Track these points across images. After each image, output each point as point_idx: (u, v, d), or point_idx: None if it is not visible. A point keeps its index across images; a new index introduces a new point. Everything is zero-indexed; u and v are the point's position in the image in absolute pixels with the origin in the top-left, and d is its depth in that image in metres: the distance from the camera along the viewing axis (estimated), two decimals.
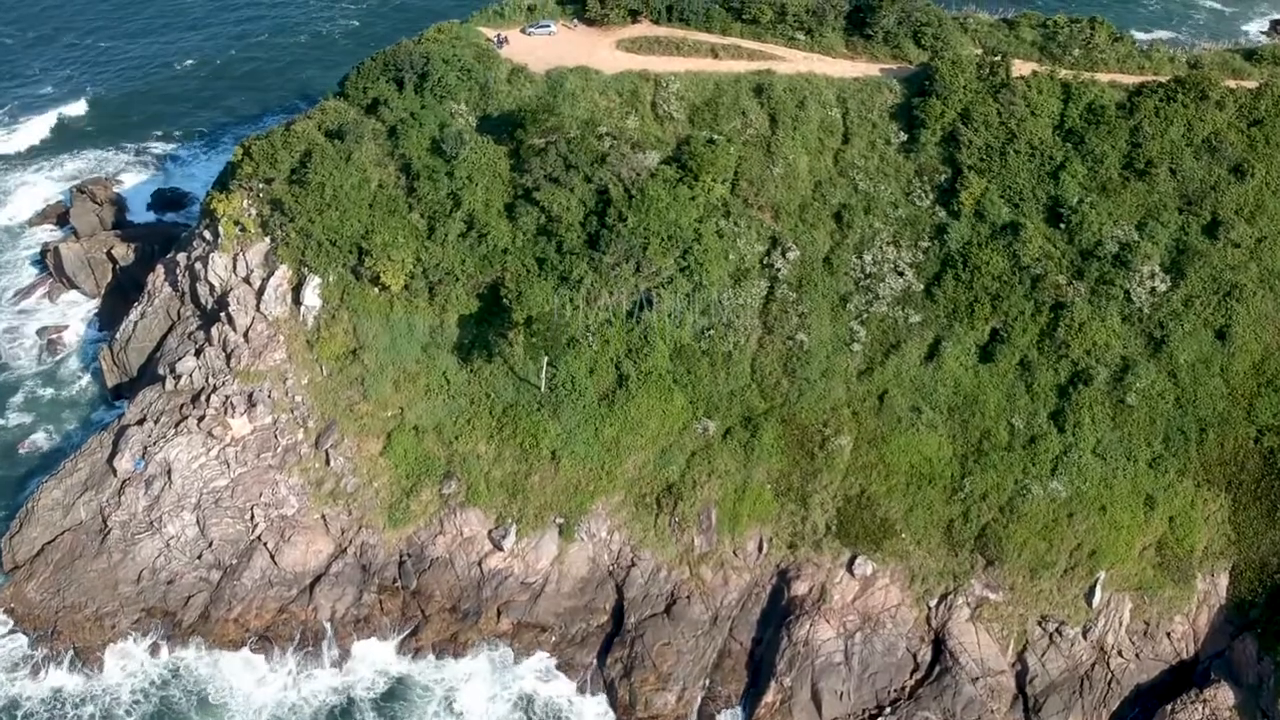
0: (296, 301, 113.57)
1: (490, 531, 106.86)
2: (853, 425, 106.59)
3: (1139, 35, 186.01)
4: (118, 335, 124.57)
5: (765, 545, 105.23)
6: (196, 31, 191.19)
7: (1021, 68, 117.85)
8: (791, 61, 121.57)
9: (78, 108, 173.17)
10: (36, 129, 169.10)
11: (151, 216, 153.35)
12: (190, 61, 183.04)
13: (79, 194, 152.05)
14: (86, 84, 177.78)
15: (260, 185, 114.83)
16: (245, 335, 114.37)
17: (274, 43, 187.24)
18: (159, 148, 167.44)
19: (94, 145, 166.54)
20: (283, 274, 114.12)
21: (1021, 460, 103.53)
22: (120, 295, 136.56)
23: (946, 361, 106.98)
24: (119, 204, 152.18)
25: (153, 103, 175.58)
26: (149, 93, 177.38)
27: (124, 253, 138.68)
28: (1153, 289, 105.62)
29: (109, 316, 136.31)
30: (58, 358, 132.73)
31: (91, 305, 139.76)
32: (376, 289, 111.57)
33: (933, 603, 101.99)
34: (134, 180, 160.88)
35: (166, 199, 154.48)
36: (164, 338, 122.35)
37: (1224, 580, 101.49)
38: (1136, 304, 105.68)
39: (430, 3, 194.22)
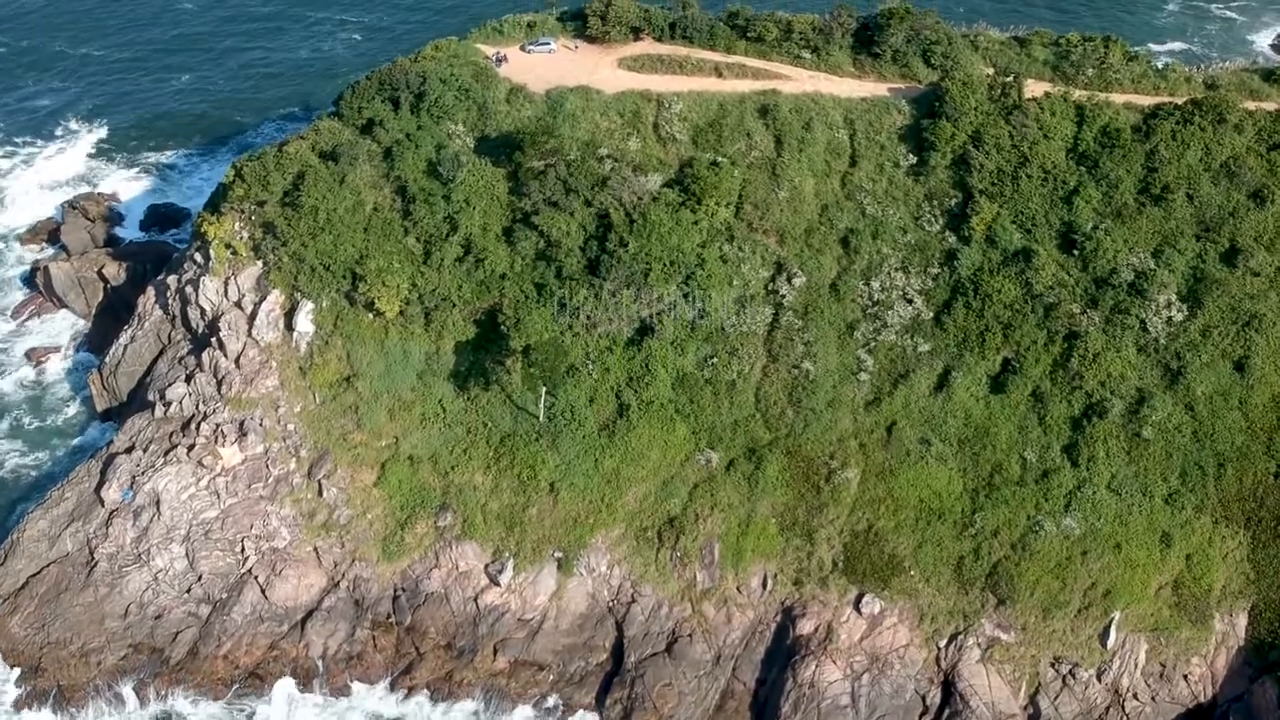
0: (289, 327, 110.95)
1: (487, 565, 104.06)
2: (860, 457, 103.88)
3: (1152, 46, 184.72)
4: (107, 359, 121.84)
5: (770, 581, 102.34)
6: (195, 43, 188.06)
7: (1034, 88, 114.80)
8: (797, 81, 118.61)
9: (72, 120, 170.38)
10: (29, 142, 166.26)
11: (145, 233, 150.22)
12: (188, 74, 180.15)
13: (71, 210, 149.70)
14: (82, 96, 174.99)
15: (252, 207, 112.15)
16: (237, 361, 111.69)
17: (274, 56, 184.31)
18: (155, 160, 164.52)
19: (88, 158, 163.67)
20: (275, 299, 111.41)
21: (1034, 495, 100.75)
22: (111, 315, 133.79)
23: (957, 392, 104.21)
24: (111, 220, 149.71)
25: (149, 115, 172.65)
26: (145, 104, 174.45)
27: (115, 272, 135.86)
28: (1169, 319, 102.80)
29: (100, 337, 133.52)
30: (46, 380, 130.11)
31: (82, 325, 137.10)
32: (371, 315, 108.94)
33: (942, 643, 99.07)
34: (128, 194, 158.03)
35: (160, 215, 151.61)
36: (154, 362, 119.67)
37: (1243, 621, 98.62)
38: (1152, 334, 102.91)
39: (430, 17, 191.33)
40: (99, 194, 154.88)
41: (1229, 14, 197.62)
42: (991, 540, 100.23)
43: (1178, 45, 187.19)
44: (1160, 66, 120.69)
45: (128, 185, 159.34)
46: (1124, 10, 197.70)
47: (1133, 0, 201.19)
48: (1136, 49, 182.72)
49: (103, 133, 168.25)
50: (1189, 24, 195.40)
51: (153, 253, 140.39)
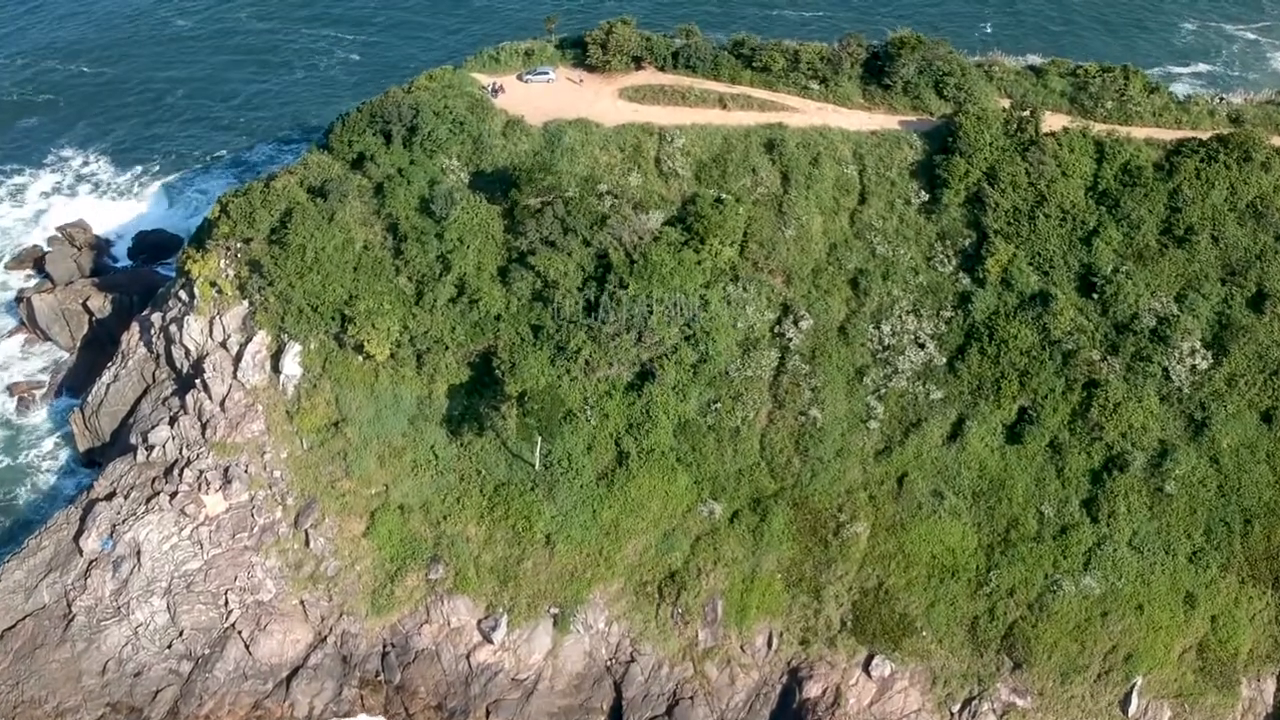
0: (276, 369, 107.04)
1: (480, 622, 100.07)
2: (869, 510, 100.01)
3: (1171, 69, 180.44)
4: (89, 399, 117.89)
5: (775, 641, 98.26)
6: (187, 61, 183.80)
7: (1051, 121, 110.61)
8: (804, 113, 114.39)
9: (62, 142, 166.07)
10: (16, 166, 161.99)
11: (134, 261, 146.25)
12: (181, 95, 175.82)
13: (57, 237, 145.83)
14: (71, 117, 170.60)
15: (238, 245, 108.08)
16: (221, 404, 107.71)
17: (269, 77, 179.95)
18: (146, 183, 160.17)
19: (76, 182, 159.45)
20: (261, 340, 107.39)
21: (1052, 552, 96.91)
22: (97, 348, 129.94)
23: (971, 442, 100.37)
24: (99, 248, 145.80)
25: (141, 137, 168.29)
26: (137, 126, 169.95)
27: (100, 304, 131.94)
28: (1193, 367, 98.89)
29: (84, 372, 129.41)
30: (28, 417, 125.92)
31: (66, 359, 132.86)
32: (361, 357, 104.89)
33: (955, 708, 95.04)
34: (117, 220, 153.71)
35: (149, 243, 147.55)
36: (138, 402, 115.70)
37: (1271, 686, 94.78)
38: (1176, 383, 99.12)
39: (426, 36, 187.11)
40: (86, 221, 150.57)
41: (1249, 34, 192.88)
42: (1007, 600, 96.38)
43: (1199, 67, 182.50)
44: (1182, 99, 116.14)
45: (117, 211, 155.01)
46: (1140, 31, 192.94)
47: (1149, 21, 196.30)
48: (1154, 70, 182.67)
49: (92, 155, 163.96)
50: (1208, 45, 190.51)
51: (140, 283, 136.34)
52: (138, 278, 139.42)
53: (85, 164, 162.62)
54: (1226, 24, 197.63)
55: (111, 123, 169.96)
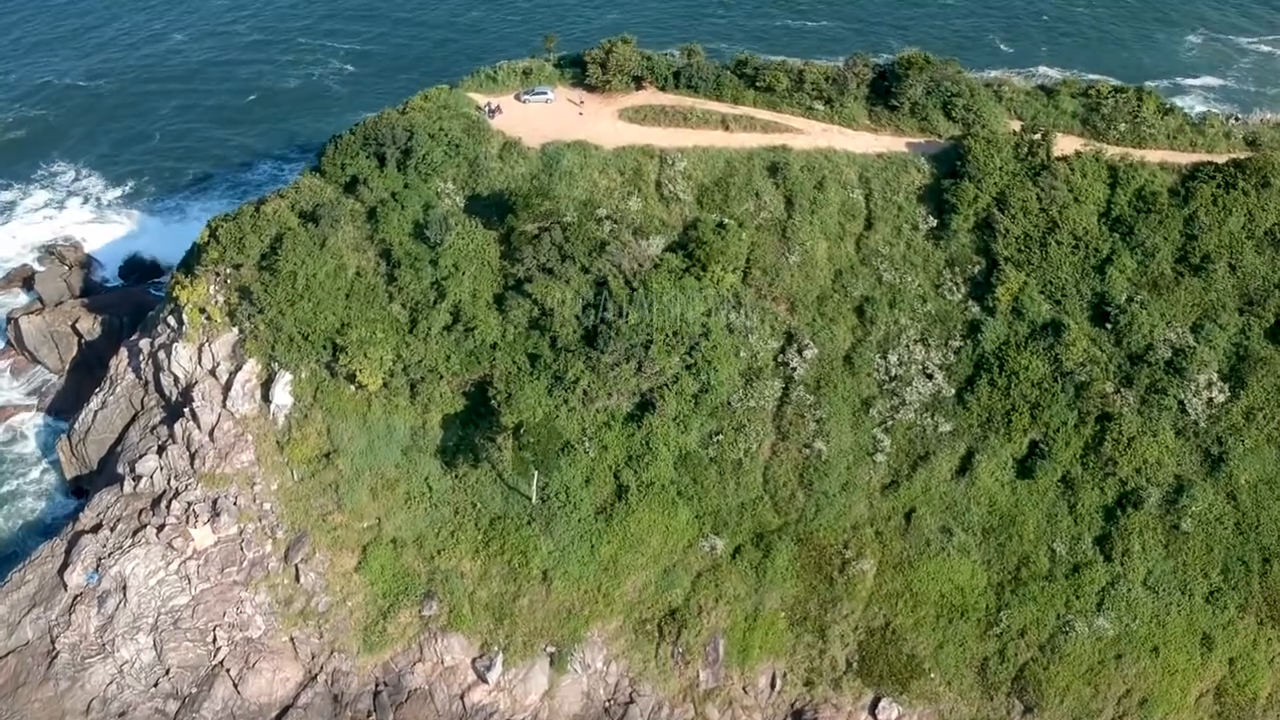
0: (266, 398, 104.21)
1: (474, 660, 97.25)
2: (876, 547, 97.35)
3: (1182, 81, 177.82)
4: (76, 425, 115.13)
5: (778, 681, 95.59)
6: (181, 74, 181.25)
7: (1063, 143, 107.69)
8: (809, 134, 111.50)
9: (52, 155, 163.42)
10: (6, 182, 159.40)
11: (125, 280, 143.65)
12: (176, 109, 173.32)
13: (47, 255, 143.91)
14: (63, 130, 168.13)
15: (228, 270, 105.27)
16: (211, 434, 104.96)
17: (264, 89, 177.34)
18: (138, 201, 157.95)
19: (68, 198, 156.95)
20: (251, 368, 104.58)
21: (1064, 592, 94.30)
22: (86, 371, 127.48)
23: (980, 477, 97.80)
24: (89, 267, 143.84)
25: (133, 151, 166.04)
26: (129, 139, 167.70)
27: (89, 326, 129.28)
28: (1210, 400, 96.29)
29: (73, 394, 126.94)
30: (15, 443, 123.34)
31: (55, 382, 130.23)
32: (353, 387, 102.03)
33: None
34: (108, 237, 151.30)
35: (140, 262, 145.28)
36: (126, 429, 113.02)
37: None
38: (1192, 416, 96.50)
39: (421, 47, 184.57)
40: (78, 239, 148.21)
41: (1262, 47, 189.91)
42: (1018, 641, 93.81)
43: (1209, 80, 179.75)
44: (1196, 120, 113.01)
45: (108, 228, 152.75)
46: (1148, 42, 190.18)
47: (1157, 33, 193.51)
48: (1163, 83, 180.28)
49: (84, 171, 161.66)
50: (1217, 58, 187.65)
51: (131, 303, 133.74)
52: (128, 298, 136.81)
53: (77, 180, 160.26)
54: (1236, 36, 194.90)
55: (104, 138, 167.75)
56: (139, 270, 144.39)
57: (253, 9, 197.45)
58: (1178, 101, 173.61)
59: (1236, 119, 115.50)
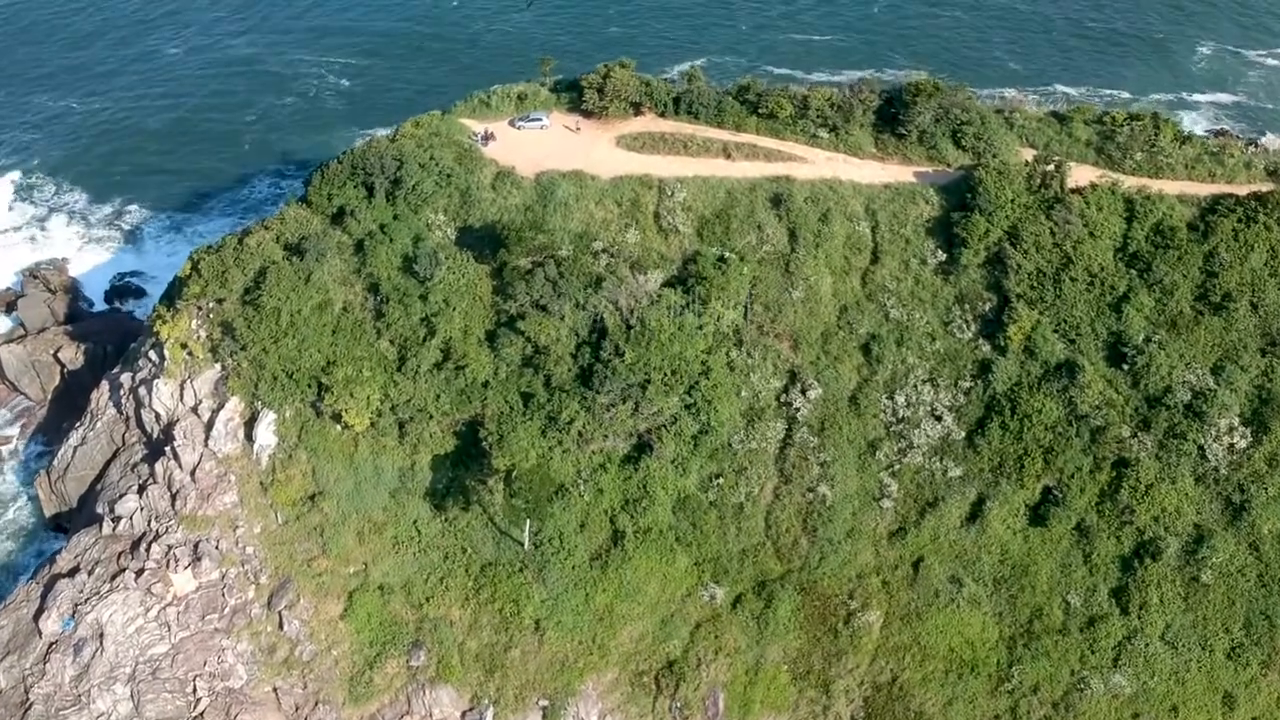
0: (249, 438, 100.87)
1: (464, 714, 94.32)
2: (882, 597, 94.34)
3: (1191, 96, 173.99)
4: (55, 462, 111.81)
5: None
6: (171, 89, 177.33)
7: (1077, 173, 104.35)
8: (813, 163, 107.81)
9: (37, 175, 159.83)
10: None
11: (110, 304, 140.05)
12: (169, 126, 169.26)
13: (31, 279, 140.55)
14: (47, 147, 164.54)
15: (210, 305, 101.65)
16: (192, 474, 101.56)
17: (259, 106, 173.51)
18: (126, 220, 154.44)
19: (53, 216, 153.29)
20: (234, 406, 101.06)
21: (1078, 646, 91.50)
22: (68, 401, 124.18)
23: (991, 524, 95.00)
24: (74, 292, 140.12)
25: (121, 168, 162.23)
26: (117, 157, 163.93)
27: (72, 355, 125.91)
28: (1231, 445, 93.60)
29: (55, 424, 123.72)
30: None
31: (37, 411, 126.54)
32: (339, 426, 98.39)
33: None
34: (95, 259, 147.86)
35: (127, 285, 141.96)
36: (107, 466, 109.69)
37: None
38: (1212, 462, 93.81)
39: (418, 63, 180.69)
40: (62, 260, 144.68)
41: (1271, 61, 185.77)
42: (1031, 698, 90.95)
43: (1219, 96, 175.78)
44: (1215, 149, 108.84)
45: (95, 249, 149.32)
46: (1157, 57, 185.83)
47: (1166, 45, 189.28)
48: (1172, 97, 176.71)
49: (74, 190, 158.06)
50: (1227, 72, 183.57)
51: (115, 330, 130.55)
52: (114, 324, 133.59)
53: (63, 199, 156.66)
54: (1245, 49, 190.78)
55: (91, 154, 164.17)
56: (125, 294, 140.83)
57: (248, 25, 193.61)
58: (1188, 117, 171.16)
59: (1256, 146, 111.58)
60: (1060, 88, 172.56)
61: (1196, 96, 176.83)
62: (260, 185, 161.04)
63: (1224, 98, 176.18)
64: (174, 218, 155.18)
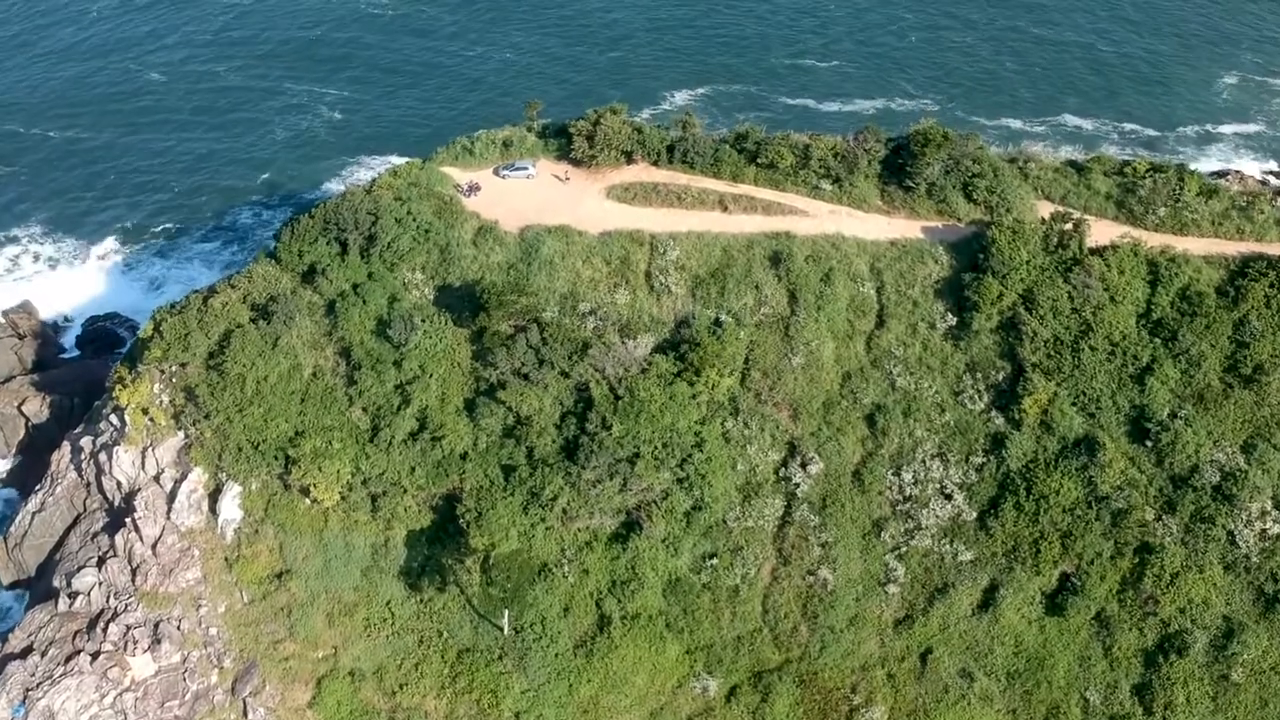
0: (213, 511, 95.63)
1: None
2: (888, 691, 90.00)
3: (1213, 128, 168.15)
4: (13, 529, 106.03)
5: None
6: (155, 118, 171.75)
7: (1096, 229, 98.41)
8: (815, 216, 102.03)
9: (11, 209, 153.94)
10: None
11: (82, 351, 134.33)
12: (152, 156, 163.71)
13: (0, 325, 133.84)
14: (24, 179, 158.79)
15: (173, 369, 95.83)
16: (154, 548, 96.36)
17: (248, 135, 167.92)
18: (102, 257, 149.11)
19: (22, 256, 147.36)
20: (197, 478, 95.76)
21: None
22: (35, 455, 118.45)
23: (1005, 613, 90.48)
24: (44, 337, 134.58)
25: (103, 202, 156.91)
26: (100, 191, 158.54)
27: (37, 408, 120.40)
28: (1263, 531, 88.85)
29: (22, 478, 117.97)
30: None
31: (3, 465, 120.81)
32: (308, 500, 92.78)
33: None
34: (70, 300, 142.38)
35: (100, 330, 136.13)
36: (67, 532, 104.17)
37: None
38: (1243, 549, 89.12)
39: (407, 91, 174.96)
40: (32, 304, 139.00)
41: None
42: None
43: (1244, 128, 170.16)
44: (1244, 204, 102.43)
45: (68, 289, 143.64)
46: (1178, 86, 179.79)
47: (1186, 75, 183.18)
48: (1192, 129, 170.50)
49: (44, 225, 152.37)
50: (1250, 102, 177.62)
51: (84, 381, 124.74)
52: (83, 373, 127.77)
53: (35, 236, 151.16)
54: (1270, 78, 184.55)
55: (67, 188, 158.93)
56: (98, 339, 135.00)
57: (234, 49, 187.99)
58: (1211, 150, 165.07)
59: None
60: (1076, 120, 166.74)
61: (1218, 128, 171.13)
62: (246, 221, 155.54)
63: (1249, 128, 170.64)
64: (154, 252, 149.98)
